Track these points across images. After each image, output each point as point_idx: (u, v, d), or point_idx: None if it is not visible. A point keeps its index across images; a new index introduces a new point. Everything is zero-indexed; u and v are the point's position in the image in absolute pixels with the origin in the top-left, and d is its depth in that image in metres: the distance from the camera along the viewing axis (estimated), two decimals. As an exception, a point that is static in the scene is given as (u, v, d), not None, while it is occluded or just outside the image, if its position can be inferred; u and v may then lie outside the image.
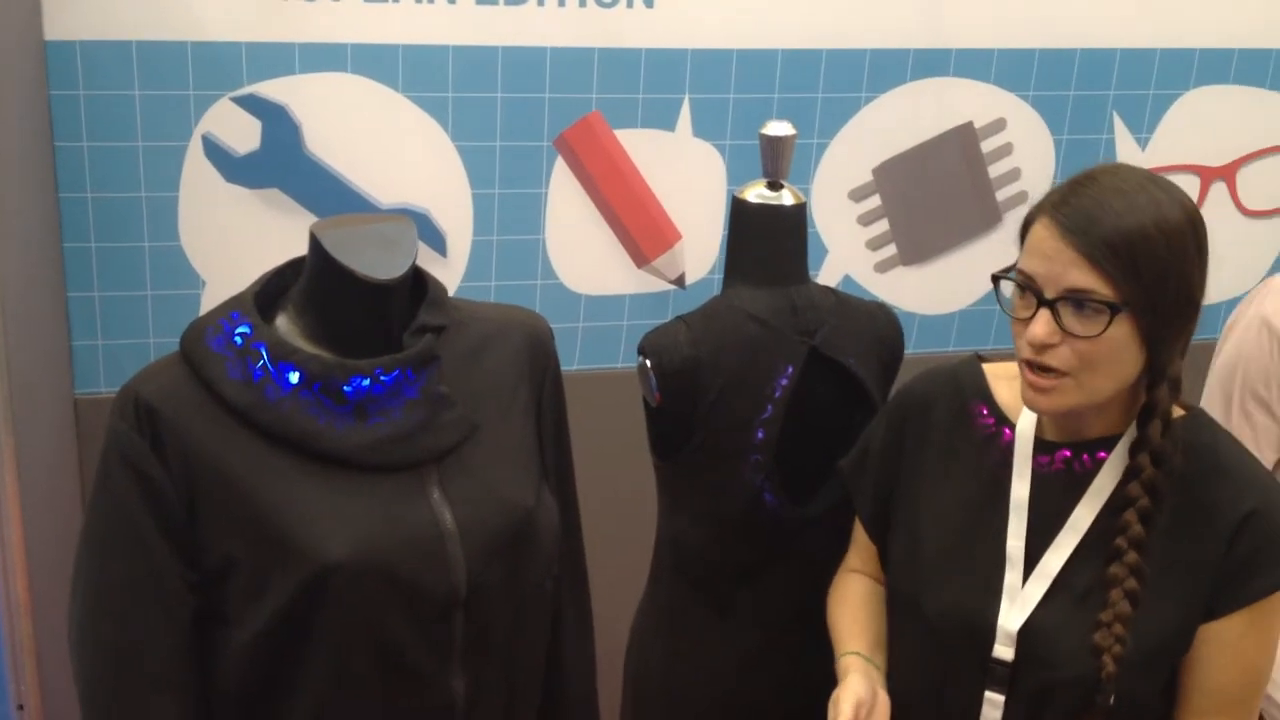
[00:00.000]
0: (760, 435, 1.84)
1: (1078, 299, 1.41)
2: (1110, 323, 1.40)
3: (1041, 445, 1.55)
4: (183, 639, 1.42)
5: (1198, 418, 1.55)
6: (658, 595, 2.00)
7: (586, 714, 1.73)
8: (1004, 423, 1.59)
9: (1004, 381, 1.62)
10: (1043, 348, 1.43)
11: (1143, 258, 1.40)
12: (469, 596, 1.44)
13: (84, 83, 2.14)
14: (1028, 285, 1.45)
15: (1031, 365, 1.46)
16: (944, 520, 1.59)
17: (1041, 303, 1.42)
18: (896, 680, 1.62)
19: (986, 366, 1.66)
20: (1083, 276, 1.40)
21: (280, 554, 1.38)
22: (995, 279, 1.50)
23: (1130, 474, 1.48)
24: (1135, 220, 1.40)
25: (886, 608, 1.69)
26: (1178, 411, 1.51)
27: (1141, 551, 1.46)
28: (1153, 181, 1.46)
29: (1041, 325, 1.42)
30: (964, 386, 1.65)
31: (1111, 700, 1.45)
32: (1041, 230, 1.44)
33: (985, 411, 1.61)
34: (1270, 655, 1.52)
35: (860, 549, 1.77)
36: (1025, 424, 1.57)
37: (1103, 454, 1.52)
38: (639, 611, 2.05)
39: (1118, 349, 1.42)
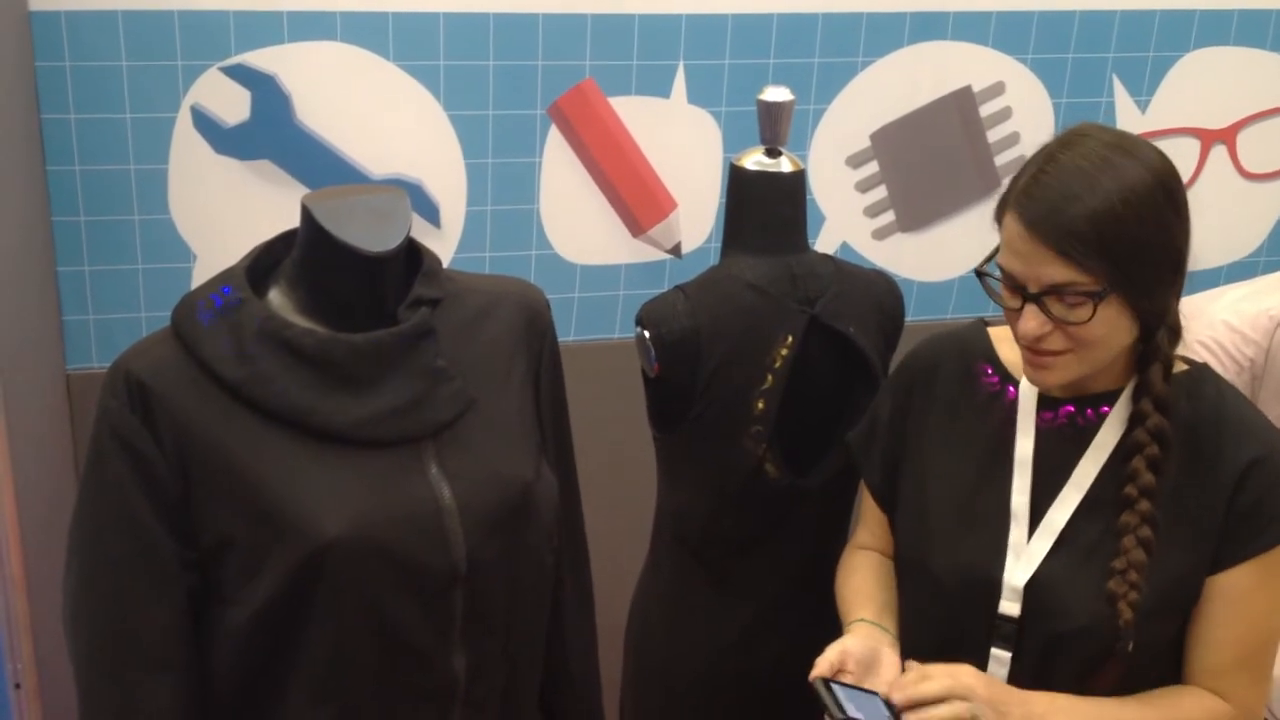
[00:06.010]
0: (760, 406, 1.82)
1: (1060, 292, 1.40)
2: (1096, 309, 1.39)
3: (1045, 401, 1.55)
4: (178, 618, 1.41)
5: (1200, 370, 1.55)
6: (659, 565, 1.99)
7: (588, 689, 1.72)
8: (1008, 381, 1.59)
9: (1008, 343, 1.61)
10: (1037, 339, 1.43)
11: (1114, 240, 1.37)
12: (468, 572, 1.43)
13: (70, 54, 2.11)
14: (1010, 281, 1.44)
15: (1030, 347, 1.46)
16: (950, 480, 1.59)
17: (1027, 298, 1.42)
18: (905, 645, 1.62)
19: (991, 329, 1.66)
20: (1059, 271, 1.39)
21: (276, 532, 1.36)
22: (979, 274, 1.49)
23: (1134, 420, 1.48)
24: (1100, 201, 1.37)
25: (896, 573, 1.68)
26: (1180, 366, 1.51)
27: (1152, 499, 1.46)
28: (1117, 149, 1.41)
29: (1030, 320, 1.42)
30: (969, 348, 1.65)
31: (1130, 647, 1.45)
32: (1011, 225, 1.42)
33: (990, 371, 1.61)
34: None
35: (869, 523, 1.76)
36: (1029, 381, 1.57)
37: (1105, 408, 1.52)
38: (640, 581, 2.04)
39: (1109, 324, 1.42)
